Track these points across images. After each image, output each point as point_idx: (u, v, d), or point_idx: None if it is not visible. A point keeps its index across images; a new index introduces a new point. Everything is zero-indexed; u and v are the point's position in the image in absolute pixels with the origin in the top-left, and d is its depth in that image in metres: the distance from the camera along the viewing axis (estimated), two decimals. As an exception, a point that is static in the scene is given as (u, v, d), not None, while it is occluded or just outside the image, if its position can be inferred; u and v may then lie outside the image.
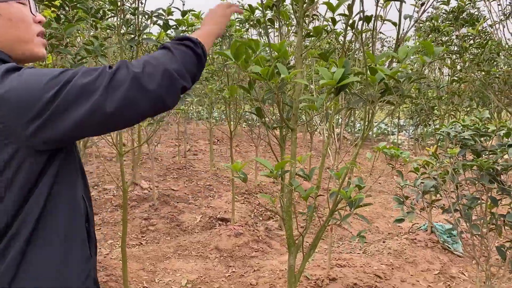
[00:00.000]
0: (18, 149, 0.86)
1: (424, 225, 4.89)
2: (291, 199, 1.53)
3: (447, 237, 4.54)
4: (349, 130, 11.32)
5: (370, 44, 2.43)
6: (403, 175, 1.99)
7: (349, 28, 1.45)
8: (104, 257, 4.10)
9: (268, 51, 1.45)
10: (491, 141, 2.49)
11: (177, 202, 5.92)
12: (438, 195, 2.61)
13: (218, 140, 11.75)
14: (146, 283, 3.78)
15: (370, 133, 13.01)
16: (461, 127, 2.41)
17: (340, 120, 4.10)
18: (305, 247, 1.83)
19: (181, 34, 1.17)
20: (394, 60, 1.55)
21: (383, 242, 4.76)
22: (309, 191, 1.46)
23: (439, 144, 3.92)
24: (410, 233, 4.82)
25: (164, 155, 9.18)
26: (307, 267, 3.93)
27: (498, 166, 2.21)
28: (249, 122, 6.65)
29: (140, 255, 4.28)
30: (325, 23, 1.92)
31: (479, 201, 2.38)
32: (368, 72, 1.30)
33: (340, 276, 3.71)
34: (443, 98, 4.40)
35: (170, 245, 4.61)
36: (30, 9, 1.04)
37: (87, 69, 0.89)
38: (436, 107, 4.72)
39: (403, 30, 1.51)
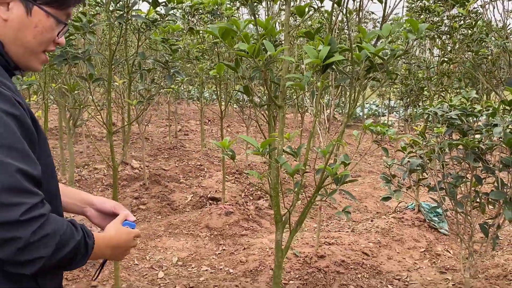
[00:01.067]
0: None
1: (411, 204, 4.98)
2: (278, 176, 1.56)
3: (434, 216, 4.63)
4: (340, 111, 11.35)
5: (358, 23, 2.43)
6: (388, 152, 2.02)
7: (336, 6, 1.45)
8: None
9: (256, 30, 1.45)
10: (477, 121, 2.53)
11: (168, 182, 5.94)
12: (424, 174, 2.66)
13: (209, 121, 11.73)
14: (137, 261, 3.82)
15: (361, 114, 13.06)
16: (449, 107, 2.44)
17: (330, 101, 4.12)
18: (293, 223, 1.86)
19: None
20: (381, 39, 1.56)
21: (371, 221, 4.84)
22: (295, 167, 1.48)
23: (427, 124, 3.96)
24: (398, 212, 4.91)
25: (155, 135, 9.16)
26: (297, 245, 4.00)
27: (483, 145, 2.25)
28: (240, 102, 6.64)
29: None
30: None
31: (464, 180, 2.43)
32: (355, 50, 1.31)
33: (328, 253, 3.78)
34: (432, 79, 4.43)
35: (161, 223, 4.65)
36: (60, 31, 1.03)
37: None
38: (425, 88, 4.75)
39: (390, 7, 1.51)
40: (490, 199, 2.42)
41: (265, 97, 1.57)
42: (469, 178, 2.47)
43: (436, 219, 4.59)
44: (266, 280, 3.47)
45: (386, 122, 12.31)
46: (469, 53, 3.77)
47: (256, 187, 5.90)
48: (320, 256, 3.71)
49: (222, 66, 1.43)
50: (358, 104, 1.57)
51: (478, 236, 3.80)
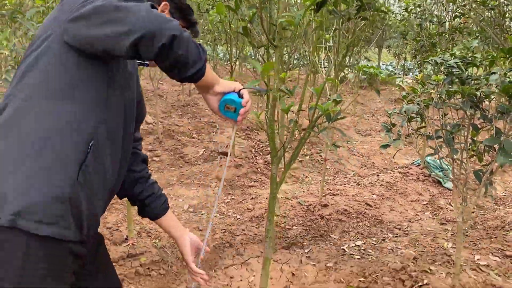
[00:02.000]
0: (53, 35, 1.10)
1: (417, 160, 5.06)
2: (273, 114, 1.66)
3: (439, 171, 4.72)
4: (354, 71, 11.25)
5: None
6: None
7: None
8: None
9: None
10: (477, 70, 2.57)
11: (181, 137, 6.11)
12: (423, 123, 2.74)
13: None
14: (150, 206, 4.04)
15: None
16: (449, 56, 2.48)
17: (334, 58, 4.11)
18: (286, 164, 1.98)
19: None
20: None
21: (377, 175, 4.96)
22: (290, 105, 1.58)
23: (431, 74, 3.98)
24: (404, 168, 5.01)
25: (169, 93, 9.28)
26: (301, 195, 4.16)
27: (479, 92, 2.30)
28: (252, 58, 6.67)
29: (144, 182, 4.52)
30: None
31: (460, 127, 2.50)
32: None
33: (331, 203, 3.94)
34: (443, 34, 4.40)
35: (173, 174, 4.85)
36: None
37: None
38: (437, 44, 4.72)
39: None
40: (485, 147, 2.50)
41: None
42: (466, 126, 2.54)
43: (441, 174, 4.68)
44: (271, 225, 3.66)
45: (402, 83, 12.18)
46: (482, 7, 3.72)
47: (266, 144, 6.04)
48: (323, 205, 3.86)
49: (221, 6, 1.51)
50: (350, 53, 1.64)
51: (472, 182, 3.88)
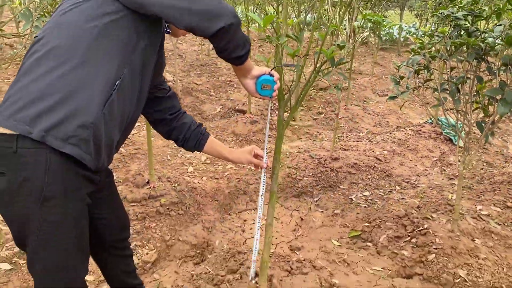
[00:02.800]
0: None
1: (430, 119, 5.13)
2: (281, 59, 1.79)
3: (451, 130, 4.79)
4: (377, 33, 11.08)
5: None
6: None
7: None
8: (133, 135, 4.59)
9: None
10: (487, 24, 2.62)
11: (199, 94, 6.28)
12: (431, 76, 2.82)
13: (241, 41, 11.75)
14: (170, 157, 4.27)
15: (398, 36, 12.65)
16: (457, 8, 2.53)
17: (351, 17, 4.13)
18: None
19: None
20: None
21: (390, 133, 5.06)
22: (296, 50, 1.71)
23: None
24: (416, 126, 5.09)
25: (188, 53, 9.39)
26: (313, 149, 4.32)
27: (484, 44, 2.37)
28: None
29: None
30: None
31: (465, 79, 2.58)
32: None
33: (342, 157, 4.09)
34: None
35: (191, 128, 5.05)
36: None
37: None
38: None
39: None
40: (489, 100, 2.58)
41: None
42: (471, 78, 2.62)
43: (453, 132, 4.75)
44: (282, 175, 3.85)
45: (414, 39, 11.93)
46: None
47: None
48: (334, 159, 4.02)
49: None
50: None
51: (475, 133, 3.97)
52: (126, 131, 1.52)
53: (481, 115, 2.66)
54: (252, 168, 4.11)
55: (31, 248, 1.30)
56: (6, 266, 2.42)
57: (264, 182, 1.90)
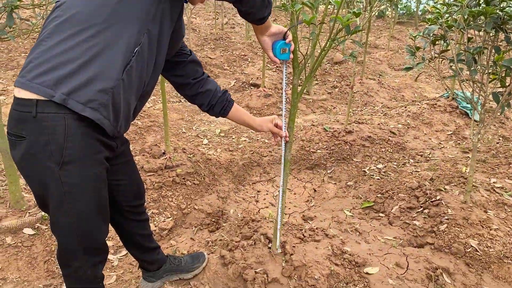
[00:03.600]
0: None
1: (447, 93, 5.07)
2: (296, 28, 1.79)
3: (467, 103, 4.73)
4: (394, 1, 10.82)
5: None
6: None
7: None
8: (148, 108, 4.65)
9: None
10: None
11: (214, 68, 6.29)
12: (448, 47, 2.78)
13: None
14: (185, 130, 4.33)
15: (415, 9, 12.35)
16: (477, -24, 2.47)
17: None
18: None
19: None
20: None
21: (405, 107, 5.02)
22: (312, 17, 1.71)
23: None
24: (432, 100, 5.03)
25: (202, 27, 9.34)
26: (328, 122, 4.32)
27: (503, 13, 2.33)
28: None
29: (179, 108, 4.80)
30: None
31: (482, 49, 2.54)
32: None
33: (356, 130, 4.09)
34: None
35: (206, 102, 5.09)
36: None
37: None
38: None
39: None
40: (506, 71, 2.55)
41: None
42: (488, 49, 2.58)
43: (469, 106, 4.70)
44: (296, 148, 3.88)
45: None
46: None
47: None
48: (348, 132, 4.03)
49: None
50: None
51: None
52: (143, 98, 1.55)
53: (498, 86, 2.62)
54: (271, 140, 4.15)
55: (53, 210, 1.37)
56: (29, 231, 2.53)
57: (284, 151, 1.96)
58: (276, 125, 1.95)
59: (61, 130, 1.25)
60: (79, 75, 1.24)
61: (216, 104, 1.82)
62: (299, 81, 1.95)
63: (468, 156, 3.88)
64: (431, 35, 2.60)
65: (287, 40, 1.67)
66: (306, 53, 1.83)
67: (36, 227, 2.58)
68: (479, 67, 2.60)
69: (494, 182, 3.13)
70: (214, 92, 1.81)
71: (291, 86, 1.91)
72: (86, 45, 1.25)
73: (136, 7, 1.31)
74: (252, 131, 4.50)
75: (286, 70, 1.89)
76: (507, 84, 2.61)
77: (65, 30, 1.26)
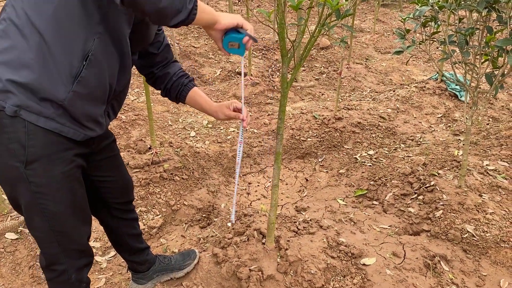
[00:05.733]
0: None
1: (435, 75, 5.02)
2: (283, 13, 1.70)
3: (456, 85, 4.69)
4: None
5: None
6: None
7: None
8: (132, 101, 4.51)
9: None
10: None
11: (198, 57, 6.14)
12: (438, 29, 2.71)
13: (238, 1, 11.42)
14: (171, 122, 4.22)
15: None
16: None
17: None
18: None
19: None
20: None
21: (393, 91, 4.97)
22: (299, 1, 1.62)
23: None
24: (421, 82, 4.98)
25: (185, 16, 9.14)
26: (317, 110, 4.25)
27: (495, -9, 2.25)
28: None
29: (164, 100, 4.67)
30: None
31: (474, 30, 2.48)
32: None
33: (346, 116, 4.02)
34: None
35: (191, 92, 4.96)
36: None
37: None
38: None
39: None
40: (499, 51, 2.49)
41: None
42: (480, 29, 2.52)
43: (458, 87, 4.66)
44: (286, 137, 3.80)
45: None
46: None
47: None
48: (337, 118, 3.96)
49: None
50: None
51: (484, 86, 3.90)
52: (119, 97, 1.46)
53: (491, 68, 2.57)
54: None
55: (25, 211, 1.31)
56: (12, 235, 2.42)
57: (241, 138, 1.72)
58: (236, 109, 1.72)
59: (21, 130, 1.18)
60: (28, 87, 1.16)
61: (171, 88, 1.70)
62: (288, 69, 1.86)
63: (459, 139, 3.84)
64: (421, 16, 2.52)
65: (245, 30, 1.37)
66: (295, 39, 1.74)
67: (19, 231, 2.47)
68: (471, 48, 2.53)
69: (487, 165, 3.10)
70: (171, 75, 1.69)
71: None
72: (31, 57, 1.16)
73: (76, 14, 1.18)
74: (239, 121, 4.40)
75: (244, 66, 1.67)
76: (499, 65, 2.56)
77: (8, 38, 1.16)
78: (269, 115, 4.45)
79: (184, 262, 2.10)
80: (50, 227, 1.33)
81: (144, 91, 4.95)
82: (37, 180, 1.24)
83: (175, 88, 1.70)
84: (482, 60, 2.59)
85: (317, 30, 1.73)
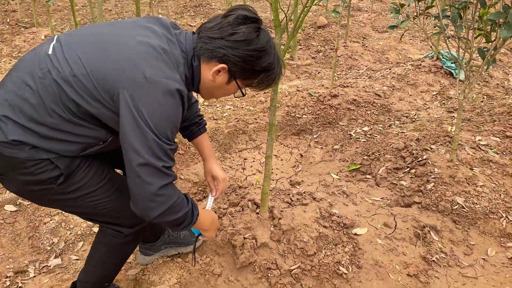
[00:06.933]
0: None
1: (431, 53, 5.02)
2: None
3: (452, 63, 4.71)
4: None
5: None
6: None
7: None
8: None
9: None
10: None
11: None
12: (432, 3, 2.72)
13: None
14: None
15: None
16: None
17: None
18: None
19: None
20: None
21: (389, 69, 4.98)
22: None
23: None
24: (416, 60, 4.99)
25: (181, -6, 9.05)
26: (313, 87, 4.27)
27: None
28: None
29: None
30: None
31: (468, 3, 2.49)
32: None
33: (341, 93, 4.04)
34: None
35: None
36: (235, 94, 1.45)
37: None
38: None
39: None
40: (492, 26, 2.50)
41: None
42: (474, 3, 2.52)
43: (453, 65, 4.68)
44: (281, 114, 3.83)
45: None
46: None
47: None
48: (333, 96, 3.98)
49: None
50: None
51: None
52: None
53: (484, 42, 2.58)
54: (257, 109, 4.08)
55: (81, 214, 1.52)
56: (11, 207, 2.47)
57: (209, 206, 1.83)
58: (214, 177, 1.84)
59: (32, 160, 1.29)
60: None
61: (181, 129, 1.80)
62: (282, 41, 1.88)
63: (453, 116, 3.88)
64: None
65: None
66: (288, 10, 1.75)
67: (18, 203, 2.51)
68: (464, 22, 2.55)
69: (479, 140, 3.14)
70: (184, 119, 1.74)
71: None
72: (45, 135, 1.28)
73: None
74: (236, 98, 4.42)
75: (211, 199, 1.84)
76: (492, 39, 2.57)
77: (23, 110, 1.26)
78: (265, 92, 4.46)
79: (192, 237, 2.08)
80: (111, 208, 1.47)
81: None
82: (74, 188, 1.37)
83: (184, 130, 1.81)
84: (476, 35, 2.61)
85: (309, 0, 1.74)
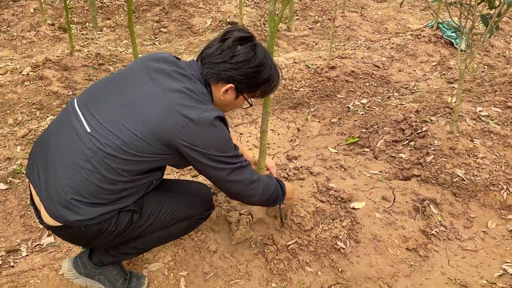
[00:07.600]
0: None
1: (431, 22, 4.89)
2: None
3: (452, 32, 4.59)
4: None
5: None
6: None
7: None
8: (120, 52, 4.40)
9: None
10: None
11: (188, 7, 5.95)
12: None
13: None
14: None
15: None
16: None
17: None
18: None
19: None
20: None
21: (388, 39, 4.85)
22: None
23: None
24: (416, 30, 4.86)
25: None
26: (310, 59, 4.16)
27: None
28: None
29: (154, 52, 4.55)
30: None
31: (472, -32, 2.37)
32: None
33: (339, 65, 3.94)
34: None
35: (182, 43, 4.84)
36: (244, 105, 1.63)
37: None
38: None
39: None
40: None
41: None
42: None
43: (454, 35, 4.56)
44: (278, 87, 3.73)
45: None
46: None
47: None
48: (331, 67, 3.88)
49: None
50: None
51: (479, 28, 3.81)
52: None
53: (486, 9, 2.48)
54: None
55: (166, 229, 1.65)
56: (1, 186, 2.41)
57: None
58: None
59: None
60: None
61: None
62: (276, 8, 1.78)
63: (454, 87, 3.80)
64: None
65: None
66: (282, -25, 1.65)
67: (8, 181, 2.45)
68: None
69: (480, 111, 3.07)
70: None
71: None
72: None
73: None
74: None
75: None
76: (495, 5, 2.47)
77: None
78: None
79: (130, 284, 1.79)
80: (184, 208, 1.63)
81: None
82: (145, 212, 1.53)
83: None
84: (479, 1, 2.50)
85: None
